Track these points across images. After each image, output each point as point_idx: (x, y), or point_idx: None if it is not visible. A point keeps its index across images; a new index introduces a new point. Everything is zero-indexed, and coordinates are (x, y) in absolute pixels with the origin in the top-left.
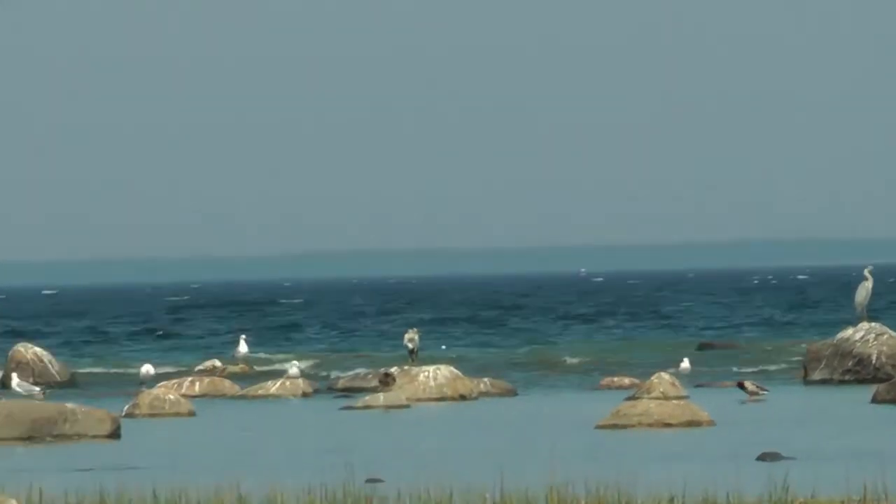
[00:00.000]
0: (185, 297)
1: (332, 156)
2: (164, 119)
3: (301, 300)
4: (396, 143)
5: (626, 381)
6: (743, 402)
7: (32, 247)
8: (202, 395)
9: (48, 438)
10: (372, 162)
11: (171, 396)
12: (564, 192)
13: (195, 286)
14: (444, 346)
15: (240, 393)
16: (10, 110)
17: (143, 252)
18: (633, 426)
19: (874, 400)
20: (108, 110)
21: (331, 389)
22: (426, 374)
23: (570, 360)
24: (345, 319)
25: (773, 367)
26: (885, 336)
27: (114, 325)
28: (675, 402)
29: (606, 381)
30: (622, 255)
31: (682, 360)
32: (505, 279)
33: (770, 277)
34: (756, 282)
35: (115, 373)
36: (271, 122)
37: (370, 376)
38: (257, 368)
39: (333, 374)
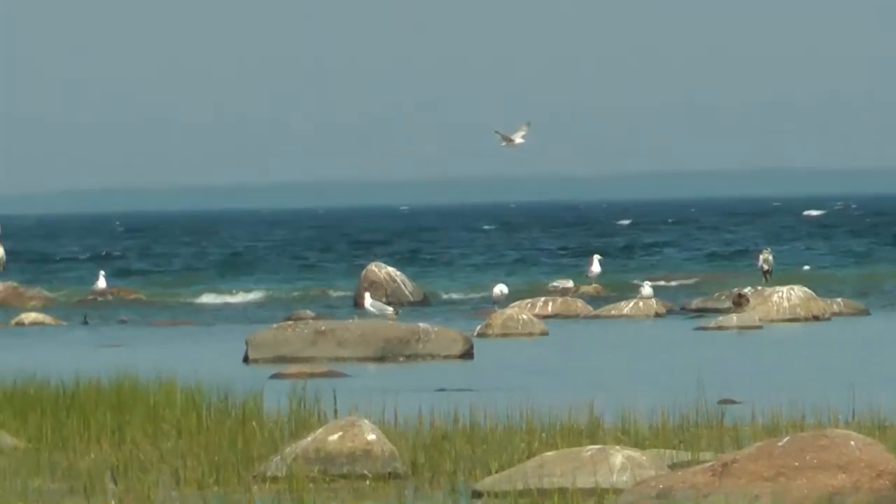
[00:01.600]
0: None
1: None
2: None
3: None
4: None
5: None
6: None
7: (386, 167)
8: (554, 316)
9: (400, 358)
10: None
11: (524, 316)
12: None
13: (512, 206)
14: (807, 266)
15: (592, 313)
16: None
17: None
18: None
19: None
20: None
21: (684, 310)
22: (779, 294)
23: None
24: (700, 239)
25: None
26: None
27: (464, 246)
28: None
29: None
30: None
31: None
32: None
33: None
34: None
35: (469, 293)
36: None
37: (724, 297)
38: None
39: (684, 294)
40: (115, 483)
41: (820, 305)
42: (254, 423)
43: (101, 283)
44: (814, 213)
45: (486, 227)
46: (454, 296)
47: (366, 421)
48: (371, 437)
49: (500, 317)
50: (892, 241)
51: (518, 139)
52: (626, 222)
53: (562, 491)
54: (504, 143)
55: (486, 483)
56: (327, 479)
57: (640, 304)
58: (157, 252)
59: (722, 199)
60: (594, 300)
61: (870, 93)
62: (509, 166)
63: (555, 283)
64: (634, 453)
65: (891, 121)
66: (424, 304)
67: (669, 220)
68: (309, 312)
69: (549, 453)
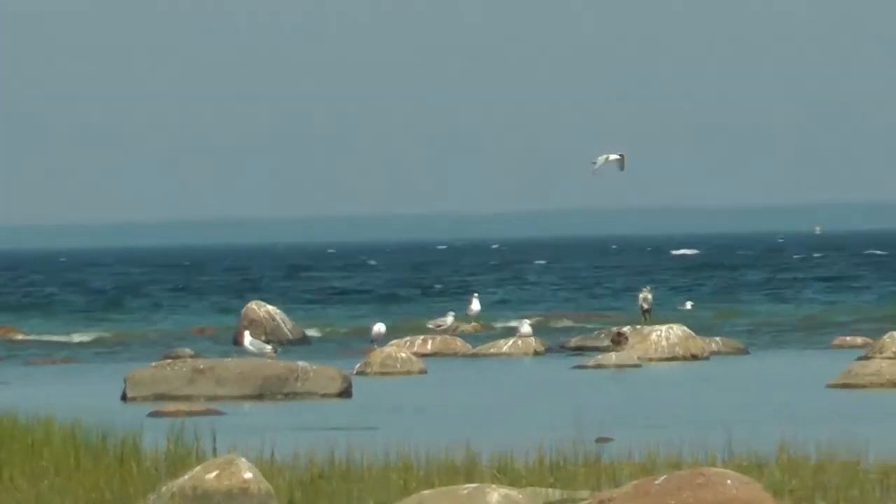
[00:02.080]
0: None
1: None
2: None
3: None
4: None
5: (859, 340)
6: None
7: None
8: (434, 354)
9: (279, 396)
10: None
11: (403, 355)
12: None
13: (388, 247)
14: (689, 304)
15: (472, 351)
16: None
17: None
18: (864, 386)
19: None
20: None
21: (563, 348)
22: (658, 333)
23: (799, 319)
24: (575, 277)
25: None
26: None
27: (345, 281)
28: None
29: (838, 340)
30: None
31: None
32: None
33: None
34: None
35: (348, 332)
36: None
37: (603, 335)
38: (492, 325)
39: (563, 332)
40: None
41: (699, 344)
42: (132, 462)
43: None
44: (687, 251)
45: (363, 264)
46: (333, 334)
47: (243, 459)
48: (248, 475)
49: (378, 355)
50: (768, 280)
51: (614, 156)
52: (495, 262)
53: None
54: (600, 163)
55: None
56: None
57: (519, 342)
58: (35, 289)
59: (594, 238)
60: (473, 338)
61: (749, 128)
62: (388, 205)
63: (437, 321)
64: (511, 491)
65: (768, 158)
66: (303, 342)
67: (541, 261)
68: (188, 350)
69: (427, 491)
